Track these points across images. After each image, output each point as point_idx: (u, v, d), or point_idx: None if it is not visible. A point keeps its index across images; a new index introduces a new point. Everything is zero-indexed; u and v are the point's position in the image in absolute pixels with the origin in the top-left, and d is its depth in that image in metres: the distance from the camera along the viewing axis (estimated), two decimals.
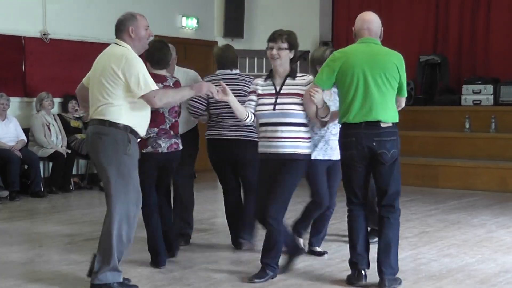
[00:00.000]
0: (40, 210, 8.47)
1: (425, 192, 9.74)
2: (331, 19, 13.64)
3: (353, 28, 5.00)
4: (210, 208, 8.55)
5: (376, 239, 5.72)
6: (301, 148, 4.94)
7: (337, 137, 5.16)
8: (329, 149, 5.57)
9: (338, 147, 5.08)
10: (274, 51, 4.96)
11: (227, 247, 6.17)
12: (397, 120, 4.87)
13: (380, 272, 4.81)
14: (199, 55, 11.92)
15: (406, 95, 5.01)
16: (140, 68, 4.59)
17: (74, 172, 10.20)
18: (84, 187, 10.18)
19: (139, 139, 4.78)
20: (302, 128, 4.96)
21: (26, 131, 9.76)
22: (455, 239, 6.51)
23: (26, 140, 9.65)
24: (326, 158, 5.58)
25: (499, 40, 11.94)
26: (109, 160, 4.60)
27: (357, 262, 4.91)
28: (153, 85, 4.57)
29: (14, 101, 9.88)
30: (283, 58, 4.98)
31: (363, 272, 4.89)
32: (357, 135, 4.79)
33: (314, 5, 13.40)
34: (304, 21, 13.12)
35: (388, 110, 4.81)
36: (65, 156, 9.70)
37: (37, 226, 7.30)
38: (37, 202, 8.99)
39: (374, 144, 4.77)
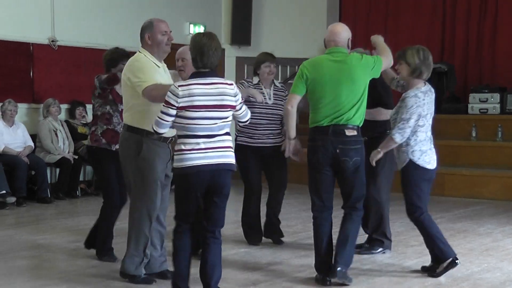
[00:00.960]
0: (46, 216, 8.49)
1: (431, 201, 9.47)
2: None
3: (324, 38, 5.33)
4: None
5: (380, 249, 5.80)
6: None
7: None
8: None
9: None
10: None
11: (233, 255, 6.19)
12: (360, 124, 5.17)
13: (335, 262, 5.08)
14: None
15: (382, 60, 5.36)
16: (137, 68, 4.84)
17: (81, 178, 10.24)
18: (91, 193, 10.20)
19: (169, 141, 4.97)
20: None
21: (34, 137, 9.81)
22: (461, 248, 6.49)
23: (33, 146, 9.70)
24: None
25: (506, 48, 11.93)
26: (127, 162, 4.93)
27: (319, 268, 5.19)
28: (149, 82, 4.73)
29: (22, 107, 9.93)
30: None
31: (327, 277, 5.12)
32: (323, 140, 5.08)
33: (321, 12, 13.42)
34: (311, 28, 13.15)
35: (356, 115, 5.11)
36: (72, 162, 9.74)
37: (43, 232, 7.31)
38: (44, 208, 9.01)
39: (337, 151, 5.05)
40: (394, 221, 7.97)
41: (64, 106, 10.29)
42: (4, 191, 8.75)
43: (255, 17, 13.05)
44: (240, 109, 4.53)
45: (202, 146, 4.35)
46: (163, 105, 4.33)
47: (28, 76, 10.16)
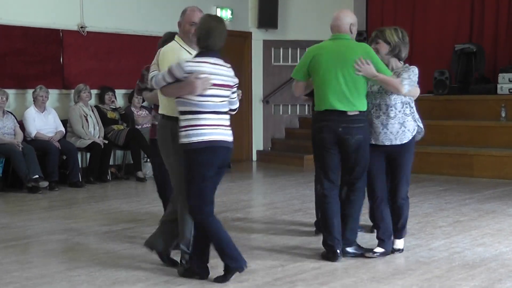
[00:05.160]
0: (78, 200, 8.63)
1: (460, 182, 9.70)
2: (365, 9, 13.60)
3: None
4: (244, 198, 8.65)
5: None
6: None
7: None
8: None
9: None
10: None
11: (261, 237, 6.26)
12: (364, 109, 5.25)
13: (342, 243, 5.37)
14: (233, 46, 11.98)
15: (390, 73, 5.26)
16: (161, 59, 4.89)
17: (111, 162, 10.37)
18: (121, 177, 10.34)
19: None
20: None
21: (65, 122, 9.96)
22: (489, 229, 6.49)
23: (64, 131, 9.85)
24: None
25: None
26: (166, 149, 4.97)
27: (333, 245, 5.28)
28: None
29: (53, 93, 10.07)
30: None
31: (338, 252, 5.28)
32: (328, 121, 5.23)
33: None
34: (337, 11, 13.09)
35: (353, 101, 5.20)
36: (102, 146, 9.87)
37: (75, 216, 7.45)
38: (76, 192, 9.16)
39: (340, 129, 5.18)
40: (422, 202, 8.01)
41: (93, 92, 10.41)
42: (37, 176, 8.91)
43: (281, 0, 13.04)
44: (234, 92, 4.77)
45: (213, 122, 4.61)
46: (167, 73, 4.60)
47: (58, 63, 10.29)
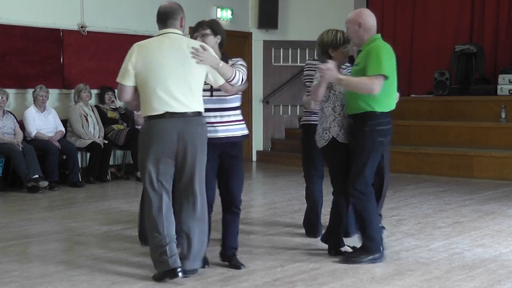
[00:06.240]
0: (78, 200, 8.63)
1: (460, 183, 9.70)
2: None
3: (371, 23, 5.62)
4: (244, 198, 8.60)
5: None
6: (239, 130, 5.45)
7: None
8: None
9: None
10: (199, 39, 5.01)
11: (261, 237, 6.26)
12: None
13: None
14: (233, 46, 11.97)
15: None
16: None
17: (111, 162, 10.38)
18: (121, 177, 10.35)
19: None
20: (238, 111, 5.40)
21: (65, 122, 9.96)
22: (489, 229, 6.49)
23: (64, 131, 9.85)
24: None
25: None
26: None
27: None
28: None
29: (53, 93, 10.08)
30: (209, 44, 4.97)
31: None
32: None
33: None
34: (338, 12, 13.10)
35: None
36: (102, 146, 9.87)
37: (75, 215, 7.45)
38: (75, 191, 9.16)
39: None
40: (422, 203, 8.01)
41: (93, 91, 10.42)
42: (37, 175, 8.91)
43: (282, 1, 13.05)
44: None
45: None
46: None
47: (58, 62, 10.29)
